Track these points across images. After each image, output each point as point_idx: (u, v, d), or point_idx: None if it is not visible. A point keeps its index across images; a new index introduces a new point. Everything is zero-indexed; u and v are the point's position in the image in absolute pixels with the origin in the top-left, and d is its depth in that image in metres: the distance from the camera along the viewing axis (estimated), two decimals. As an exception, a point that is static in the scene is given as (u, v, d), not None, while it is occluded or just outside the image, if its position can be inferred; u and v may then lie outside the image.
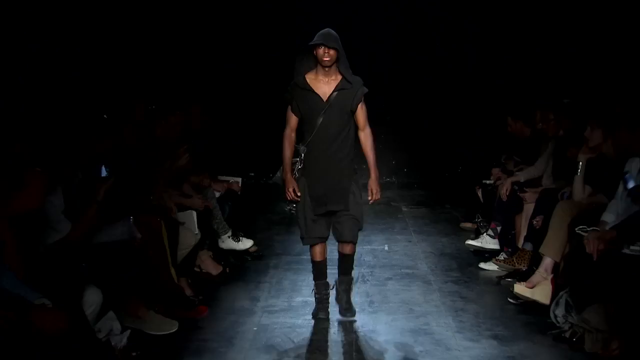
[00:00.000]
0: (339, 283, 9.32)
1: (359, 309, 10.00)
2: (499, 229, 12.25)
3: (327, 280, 9.35)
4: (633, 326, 7.83)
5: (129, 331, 8.09)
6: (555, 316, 9.09)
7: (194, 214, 10.94)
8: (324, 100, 8.45)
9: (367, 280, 11.08)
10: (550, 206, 10.34)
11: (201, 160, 11.99)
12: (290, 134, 8.75)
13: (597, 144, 9.80)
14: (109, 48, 15.11)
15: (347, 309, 9.25)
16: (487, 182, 13.46)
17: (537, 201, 10.99)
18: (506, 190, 12.10)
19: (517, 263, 11.02)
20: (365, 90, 8.67)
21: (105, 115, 10.39)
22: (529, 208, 11.25)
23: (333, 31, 7.99)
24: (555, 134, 11.70)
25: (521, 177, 12.10)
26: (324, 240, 9.01)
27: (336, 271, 9.75)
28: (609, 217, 8.85)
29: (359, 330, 9.01)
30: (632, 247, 8.15)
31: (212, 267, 11.34)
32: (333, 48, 8.04)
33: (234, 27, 19.10)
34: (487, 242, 12.51)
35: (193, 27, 18.15)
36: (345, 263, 9.25)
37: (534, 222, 10.79)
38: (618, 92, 11.73)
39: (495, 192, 12.68)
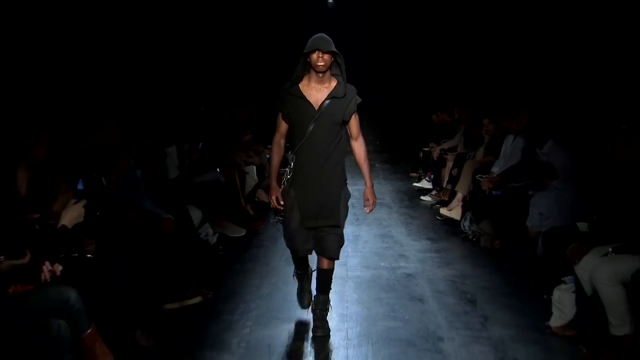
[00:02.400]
0: (315, 303, 6.00)
1: (349, 224, 9.72)
2: (432, 176, 12.57)
3: (308, 269, 6.27)
4: (506, 230, 8.21)
5: (217, 234, 8.30)
6: (464, 226, 9.33)
7: (254, 167, 11.11)
8: (315, 109, 5.55)
9: (355, 206, 11.01)
10: (462, 163, 10.65)
11: (258, 136, 11.90)
12: (279, 141, 5.83)
13: (492, 130, 10.01)
14: (205, 67, 14.24)
15: (319, 326, 5.86)
16: (426, 149, 13.59)
17: (454, 160, 11.18)
18: (436, 154, 12.42)
19: (442, 196, 11.31)
20: (359, 100, 5.69)
21: (202, 108, 10.56)
22: (449, 164, 11.37)
23: (326, 35, 5.44)
24: (465, 121, 12.00)
25: (445, 146, 12.35)
26: (308, 252, 5.88)
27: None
28: (495, 169, 9.16)
29: (349, 235, 8.82)
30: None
31: (265, 198, 10.99)
32: (328, 52, 5.37)
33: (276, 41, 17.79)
34: (425, 184, 12.89)
35: (250, 49, 16.75)
36: (324, 279, 5.97)
37: (452, 172, 11.00)
38: (503, 92, 11.72)
39: (430, 155, 12.97)
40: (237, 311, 6.30)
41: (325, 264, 5.83)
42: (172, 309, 6.24)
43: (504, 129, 9.50)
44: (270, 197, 5.71)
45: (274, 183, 5.74)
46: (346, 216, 5.85)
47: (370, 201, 5.89)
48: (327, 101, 5.52)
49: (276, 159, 5.80)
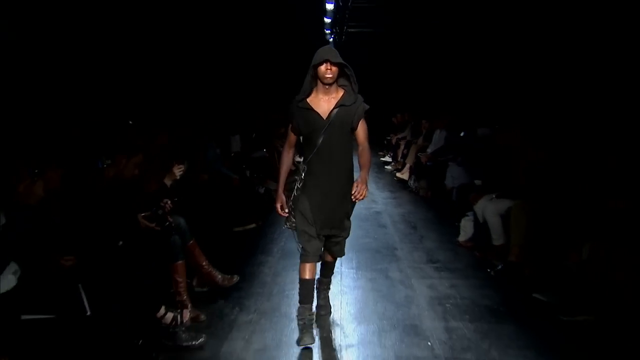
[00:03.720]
0: (319, 283, 4.24)
1: None
2: (391, 154, 12.17)
3: (312, 304, 3.93)
4: (434, 186, 8.17)
5: (264, 188, 8.02)
6: (410, 183, 9.30)
7: None
8: (324, 119, 3.80)
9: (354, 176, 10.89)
10: (410, 146, 10.41)
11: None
12: (288, 151, 4.06)
13: (428, 127, 10.04)
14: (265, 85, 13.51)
15: (322, 305, 4.20)
16: (388, 137, 13.24)
17: (405, 144, 11.05)
18: (394, 140, 12.11)
19: (397, 166, 10.91)
20: (367, 107, 3.90)
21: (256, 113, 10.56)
22: (402, 147, 11.11)
23: (333, 47, 3.80)
24: (411, 121, 11.88)
25: (400, 136, 11.98)
26: (318, 258, 3.96)
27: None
28: (429, 150, 8.95)
29: None
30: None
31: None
32: (337, 64, 3.70)
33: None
34: (387, 159, 12.42)
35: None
36: (327, 268, 4.23)
37: (404, 151, 10.73)
38: (433, 104, 11.65)
39: (390, 141, 12.77)
40: (277, 232, 6.35)
41: (330, 258, 4.10)
42: (238, 230, 6.31)
43: (434, 126, 9.44)
44: (275, 204, 3.86)
45: (280, 191, 3.88)
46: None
47: (360, 188, 3.69)
48: (335, 110, 3.71)
49: (284, 168, 3.93)
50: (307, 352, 3.61)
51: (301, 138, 3.84)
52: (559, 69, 7.00)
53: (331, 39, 17.34)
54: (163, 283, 3.94)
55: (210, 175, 6.24)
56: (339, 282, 4.78)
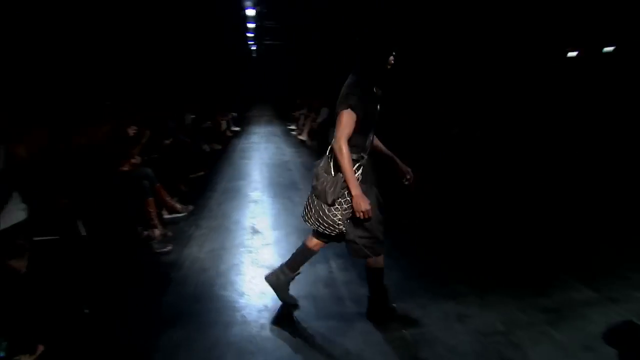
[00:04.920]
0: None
1: (273, 149, 8.69)
2: (295, 124, 11.76)
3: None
4: (321, 143, 7.73)
5: (209, 148, 7.71)
6: (306, 142, 9.26)
7: (225, 122, 10.04)
8: (378, 110, 2.13)
9: (281, 148, 10.70)
10: (307, 119, 10.27)
11: (225, 110, 11.04)
12: (347, 143, 1.98)
13: (318, 106, 9.82)
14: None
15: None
16: (293, 113, 12.56)
17: (304, 117, 10.80)
18: (297, 115, 11.64)
19: (299, 131, 10.65)
20: None
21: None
22: (302, 119, 10.85)
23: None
24: (307, 102, 11.43)
25: (300, 112, 11.56)
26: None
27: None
28: (319, 120, 9.05)
29: (272, 152, 8.60)
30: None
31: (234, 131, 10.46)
32: None
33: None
34: (293, 127, 11.92)
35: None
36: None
37: (303, 122, 10.59)
38: (311, 93, 11.27)
39: (295, 116, 12.19)
40: (218, 177, 6.15)
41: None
42: (192, 176, 5.92)
43: (321, 105, 9.34)
44: (364, 207, 2.10)
45: (360, 191, 2.12)
46: None
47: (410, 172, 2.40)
48: (379, 103, 2.24)
49: (351, 162, 2.12)
50: (240, 250, 3.60)
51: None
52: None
53: (254, 48, 16.71)
54: (140, 213, 3.78)
55: (171, 140, 5.91)
56: (263, 206, 4.78)
